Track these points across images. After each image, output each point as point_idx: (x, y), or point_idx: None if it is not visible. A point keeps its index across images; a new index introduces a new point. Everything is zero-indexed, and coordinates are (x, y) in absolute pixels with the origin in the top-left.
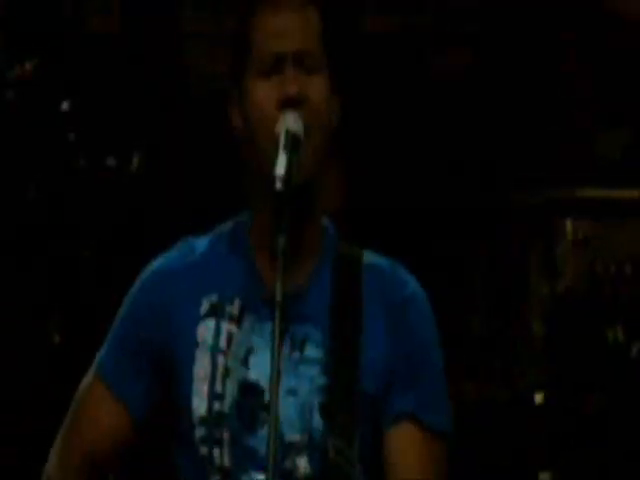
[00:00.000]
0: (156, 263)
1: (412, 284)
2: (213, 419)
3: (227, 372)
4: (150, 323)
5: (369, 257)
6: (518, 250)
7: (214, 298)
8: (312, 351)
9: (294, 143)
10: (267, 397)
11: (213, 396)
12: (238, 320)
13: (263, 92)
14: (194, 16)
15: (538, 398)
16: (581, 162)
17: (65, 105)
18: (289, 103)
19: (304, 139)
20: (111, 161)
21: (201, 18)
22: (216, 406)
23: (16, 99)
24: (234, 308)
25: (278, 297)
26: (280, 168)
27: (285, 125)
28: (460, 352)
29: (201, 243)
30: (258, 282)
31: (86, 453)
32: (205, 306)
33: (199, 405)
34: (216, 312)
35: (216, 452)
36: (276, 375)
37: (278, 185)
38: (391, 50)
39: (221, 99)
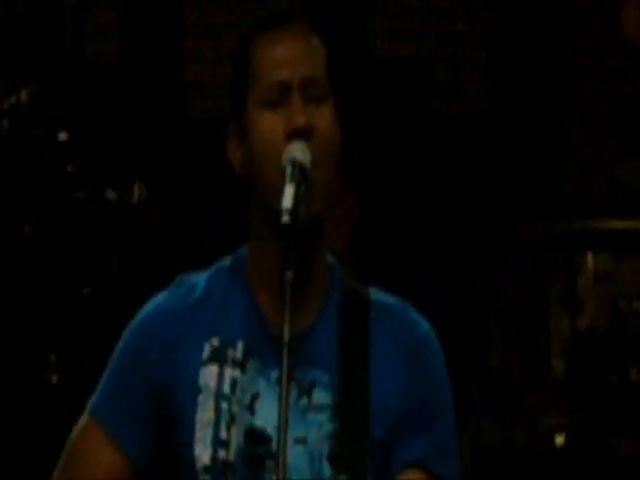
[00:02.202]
0: (154, 302)
1: (424, 325)
2: (218, 467)
3: (232, 418)
4: (148, 365)
5: (377, 295)
6: (537, 284)
7: (216, 342)
8: (320, 397)
9: (301, 174)
10: (275, 445)
11: (217, 443)
12: (242, 364)
13: (269, 124)
14: (195, 42)
15: (559, 440)
16: (600, 192)
17: (63, 135)
18: (297, 135)
19: (312, 171)
20: (111, 193)
21: (202, 44)
22: (221, 454)
23: (11, 128)
24: (237, 352)
25: (286, 337)
26: (287, 201)
27: (291, 156)
28: (477, 390)
29: (200, 280)
30: (261, 321)
31: None
32: (207, 351)
33: (202, 453)
34: (218, 357)
35: None
36: (284, 422)
37: (285, 218)
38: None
39: (222, 127)
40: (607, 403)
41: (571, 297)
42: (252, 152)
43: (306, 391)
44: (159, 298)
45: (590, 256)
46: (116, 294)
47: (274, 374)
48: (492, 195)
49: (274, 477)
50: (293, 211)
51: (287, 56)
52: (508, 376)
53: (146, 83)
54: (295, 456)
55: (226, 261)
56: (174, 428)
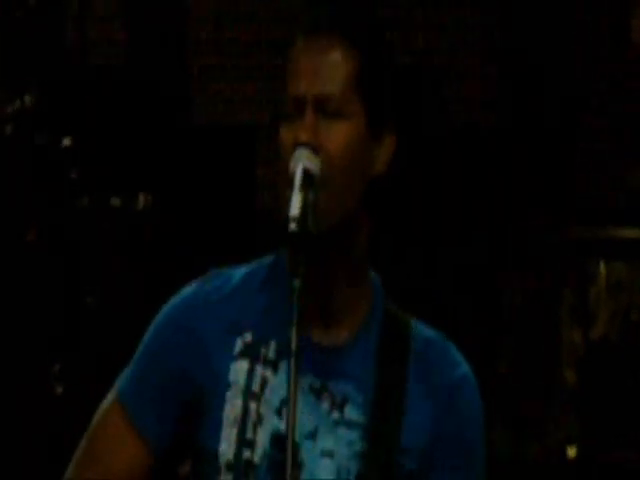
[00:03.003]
0: (186, 291)
1: (463, 367)
2: (241, 467)
3: (259, 419)
4: (177, 355)
5: (419, 327)
6: (548, 294)
7: (248, 337)
8: (353, 413)
9: (308, 180)
10: (301, 455)
11: (243, 442)
12: (274, 365)
13: (284, 136)
14: (199, 47)
15: (570, 452)
16: (613, 200)
17: (66, 141)
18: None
19: (321, 184)
20: (116, 200)
21: (206, 50)
22: (246, 454)
23: (15, 134)
24: (270, 351)
25: (293, 346)
26: (294, 208)
27: (297, 162)
28: (487, 401)
29: (236, 274)
30: (300, 327)
31: None
32: (239, 345)
33: (226, 450)
34: (250, 353)
35: None
36: (291, 429)
37: (292, 226)
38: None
39: (225, 134)
40: (619, 415)
41: (583, 307)
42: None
43: (338, 405)
44: (192, 287)
45: (602, 265)
46: (120, 303)
47: (306, 380)
48: (502, 203)
49: None
50: (300, 219)
51: (304, 71)
52: (518, 387)
53: (151, 88)
54: (323, 469)
55: (268, 258)
56: (200, 421)
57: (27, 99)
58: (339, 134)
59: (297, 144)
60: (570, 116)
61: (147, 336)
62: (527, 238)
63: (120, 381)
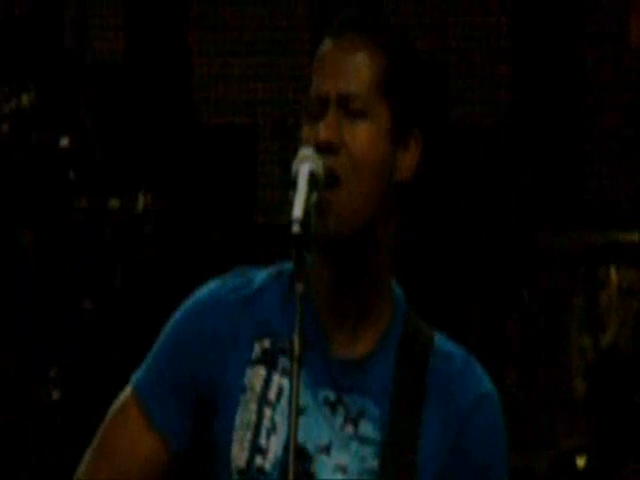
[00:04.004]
0: (208, 288)
1: (485, 384)
2: (253, 473)
3: (273, 427)
4: (195, 353)
5: (441, 341)
6: (557, 300)
7: (267, 343)
8: (367, 429)
9: (312, 182)
10: (315, 466)
11: (255, 449)
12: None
13: (305, 135)
14: (202, 45)
15: (580, 463)
16: (624, 203)
17: (64, 140)
18: (320, 149)
19: (341, 184)
20: (114, 201)
21: (209, 47)
22: (258, 460)
23: (11, 133)
24: (287, 361)
25: (296, 351)
26: (297, 210)
27: (301, 163)
28: None
29: (259, 276)
30: (319, 337)
31: None
32: (257, 351)
33: (238, 455)
34: (268, 360)
35: None
36: (293, 438)
37: (295, 228)
38: None
39: (227, 134)
40: (630, 424)
41: (593, 313)
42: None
43: (353, 419)
44: (214, 285)
45: (614, 270)
46: (118, 307)
47: (323, 393)
48: (511, 207)
49: None
50: (303, 221)
51: (331, 70)
52: (527, 396)
53: (152, 87)
54: None
55: (289, 264)
56: (213, 422)
57: (24, 98)
58: (362, 134)
59: (317, 142)
60: (581, 118)
61: (165, 331)
62: (536, 243)
63: (136, 375)
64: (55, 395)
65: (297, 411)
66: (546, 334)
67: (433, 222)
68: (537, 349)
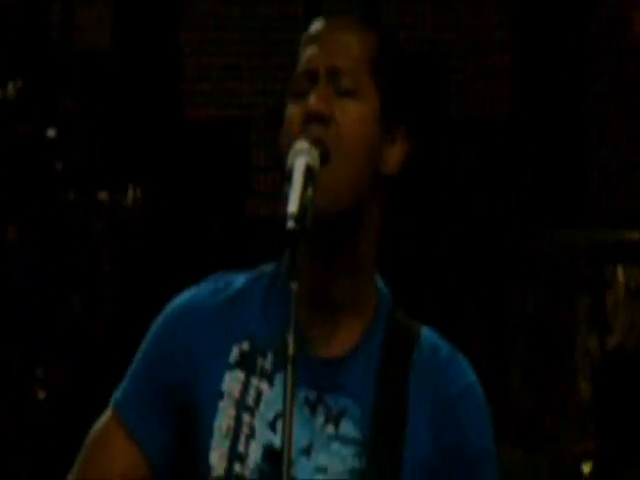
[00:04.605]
0: (186, 295)
1: (469, 376)
2: None
3: (252, 432)
4: (173, 362)
5: (428, 335)
6: (563, 300)
7: (245, 346)
8: (348, 429)
9: (307, 176)
10: (294, 469)
11: (234, 456)
12: (270, 378)
13: (290, 113)
14: (191, 35)
15: (586, 469)
16: (631, 201)
17: (51, 132)
18: (310, 118)
19: (330, 158)
20: (103, 194)
21: (199, 38)
22: (236, 468)
23: None
24: (266, 363)
25: (290, 351)
26: (292, 205)
27: (296, 156)
28: (497, 414)
29: (238, 280)
30: (297, 337)
31: None
32: (235, 354)
33: (217, 463)
34: (246, 364)
35: None
36: (288, 441)
37: (290, 224)
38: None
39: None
40: (637, 429)
41: (600, 314)
42: (278, 145)
43: (334, 419)
44: (191, 291)
45: (620, 270)
46: (106, 304)
47: (302, 393)
48: (515, 205)
49: None
50: (299, 216)
51: (320, 46)
52: (531, 399)
53: (140, 78)
54: None
55: (270, 266)
56: (192, 430)
57: (10, 88)
58: (352, 111)
59: (307, 113)
60: (587, 115)
61: (144, 344)
62: (541, 242)
63: (115, 394)
64: (41, 395)
65: (291, 412)
66: (551, 335)
67: (433, 220)
68: (542, 350)
